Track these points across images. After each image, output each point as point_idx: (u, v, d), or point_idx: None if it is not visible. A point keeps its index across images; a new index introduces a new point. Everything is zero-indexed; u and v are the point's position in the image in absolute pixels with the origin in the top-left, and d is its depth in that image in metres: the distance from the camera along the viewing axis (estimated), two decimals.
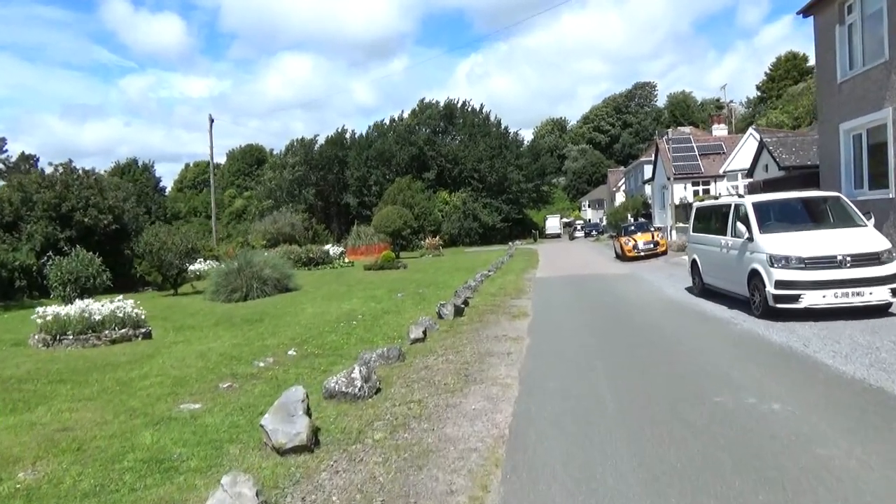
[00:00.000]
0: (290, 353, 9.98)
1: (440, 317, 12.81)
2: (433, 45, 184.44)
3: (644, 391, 6.48)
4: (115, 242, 23.77)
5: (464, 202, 66.35)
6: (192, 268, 27.05)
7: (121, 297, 13.00)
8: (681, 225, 33.23)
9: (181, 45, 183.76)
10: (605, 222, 69.96)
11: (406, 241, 54.51)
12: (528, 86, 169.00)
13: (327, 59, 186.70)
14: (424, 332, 10.48)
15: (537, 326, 11.38)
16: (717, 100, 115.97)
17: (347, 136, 70.79)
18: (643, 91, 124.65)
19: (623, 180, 72.50)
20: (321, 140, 68.22)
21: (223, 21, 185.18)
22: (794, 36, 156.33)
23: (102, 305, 11.75)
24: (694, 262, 14.73)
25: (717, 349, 8.46)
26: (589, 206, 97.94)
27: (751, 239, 11.28)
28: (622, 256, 28.28)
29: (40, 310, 11.54)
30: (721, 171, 39.22)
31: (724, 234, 12.73)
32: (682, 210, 35.98)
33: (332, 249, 46.43)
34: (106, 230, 24.36)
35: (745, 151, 37.91)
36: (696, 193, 39.56)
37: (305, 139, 66.88)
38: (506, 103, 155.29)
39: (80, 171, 25.51)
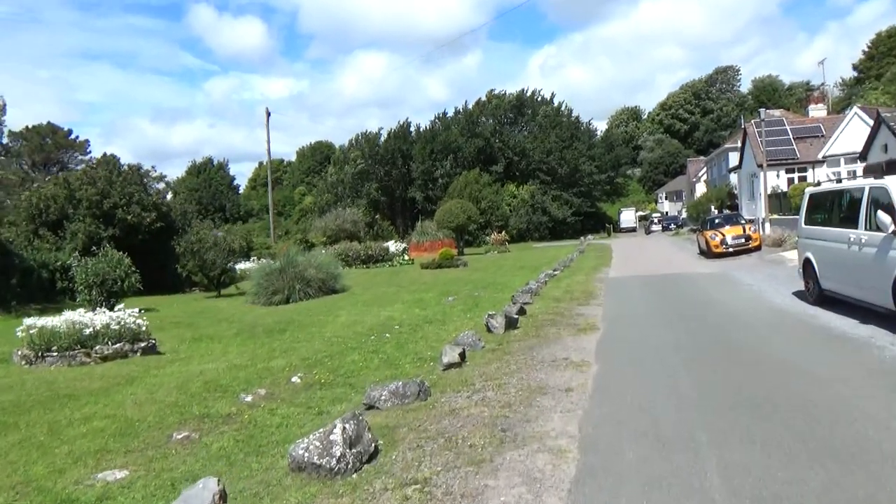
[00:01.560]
0: (293, 379, 8.00)
1: (489, 330, 10.58)
2: (506, 38, 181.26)
3: (786, 484, 4.05)
4: (160, 241, 22.74)
5: (532, 195, 63.53)
6: (242, 266, 25.84)
7: (122, 306, 11.42)
8: (776, 217, 29.56)
9: (262, 48, 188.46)
10: (684, 215, 65.57)
11: (472, 237, 52.44)
12: (603, 76, 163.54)
13: (401, 56, 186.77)
14: (462, 355, 8.27)
15: (608, 347, 8.96)
16: (808, 83, 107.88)
17: (412, 129, 69.22)
18: (725, 76, 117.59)
19: (704, 170, 67.73)
20: (385, 134, 66.97)
21: (301, 22, 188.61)
22: (893, 12, 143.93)
23: (96, 316, 10.15)
24: (807, 263, 11.85)
25: (875, 395, 5.86)
26: (666, 199, 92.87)
27: None
28: (707, 253, 25.11)
29: (28, 321, 10.06)
30: (820, 156, 35.07)
31: (854, 226, 9.88)
32: (776, 200, 32.21)
33: (394, 246, 44.88)
34: (150, 228, 23.37)
35: (848, 133, 33.76)
36: (790, 181, 35.49)
37: (369, 133, 65.79)
38: (581, 95, 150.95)
39: (126, 167, 24.80)
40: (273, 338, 11.62)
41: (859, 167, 32.82)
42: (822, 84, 69.87)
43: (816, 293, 11.47)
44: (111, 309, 11.77)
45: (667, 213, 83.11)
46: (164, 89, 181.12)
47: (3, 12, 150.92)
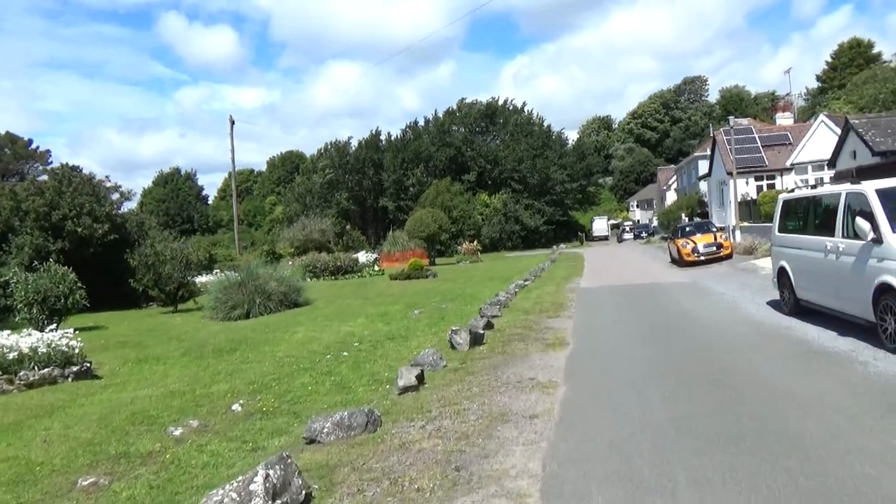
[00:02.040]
0: (234, 407, 7.27)
1: (452, 347, 9.95)
2: (480, 49, 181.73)
3: None
4: (115, 254, 21.69)
5: (504, 204, 63.22)
6: (203, 280, 24.86)
7: (53, 326, 10.54)
8: (746, 224, 29.49)
9: (233, 57, 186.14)
10: (655, 223, 65.87)
11: (444, 246, 51.83)
12: (575, 86, 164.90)
13: (374, 66, 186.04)
14: (420, 377, 7.62)
15: (577, 365, 8.39)
16: (773, 93, 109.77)
17: (383, 137, 68.52)
18: (693, 86, 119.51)
19: (674, 178, 68.17)
20: (355, 143, 66.08)
21: (273, 31, 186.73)
22: (854, 25, 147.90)
23: (22, 338, 9.28)
24: (782, 271, 11.44)
25: (866, 421, 5.34)
26: (637, 207, 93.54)
27: (878, 241, 8.04)
28: (679, 261, 24.82)
29: None
30: (788, 164, 35.23)
31: (831, 234, 9.47)
32: (746, 207, 32.21)
33: (364, 256, 44.06)
34: (103, 240, 22.29)
35: (816, 141, 33.98)
36: (759, 189, 35.60)
37: (339, 142, 64.84)
38: (553, 104, 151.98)
39: (79, 177, 23.60)
40: (221, 358, 10.83)
41: (827, 174, 33.06)
42: (788, 94, 70.83)
43: (792, 303, 11.05)
44: (55, 328, 10.89)
45: (638, 221, 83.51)
46: (133, 99, 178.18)
47: None
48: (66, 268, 15.66)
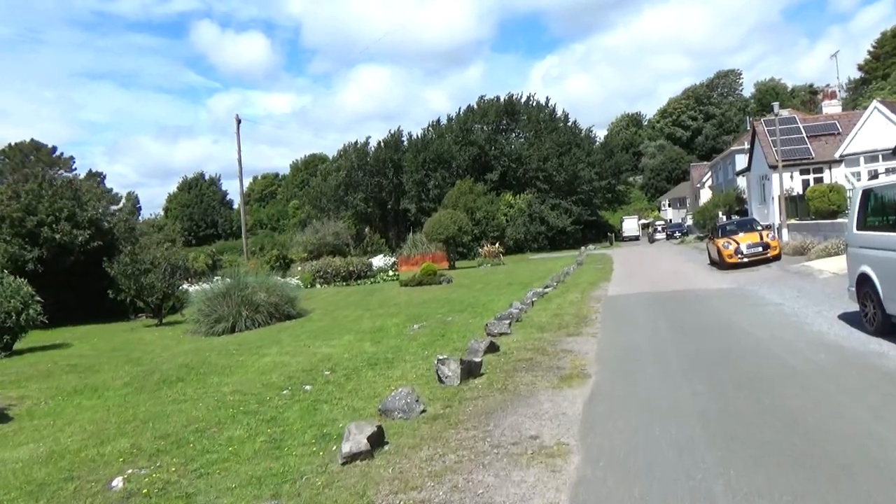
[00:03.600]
0: (114, 483, 5.21)
1: (440, 380, 7.79)
2: (509, 50, 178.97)
3: None
4: (101, 262, 19.97)
5: (529, 204, 60.67)
6: (197, 289, 23.05)
7: None
8: (794, 222, 26.71)
9: (264, 63, 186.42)
10: (689, 222, 62.81)
11: (466, 249, 49.64)
12: (606, 86, 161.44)
13: (404, 70, 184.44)
14: (376, 436, 5.44)
15: (600, 413, 6.15)
16: (811, 85, 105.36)
17: (404, 138, 66.57)
18: (726, 80, 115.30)
19: (709, 174, 65.04)
20: (374, 143, 64.26)
21: (303, 37, 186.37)
22: (894, 16, 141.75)
23: None
24: (864, 279, 9.02)
25: None
26: (669, 206, 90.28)
27: None
28: (720, 264, 22.25)
29: None
30: (837, 155, 32.27)
31: None
32: (792, 203, 29.39)
33: (381, 260, 42.14)
34: (86, 248, 20.61)
35: (869, 130, 31.10)
36: (805, 183, 32.67)
37: (358, 143, 63.04)
38: (584, 104, 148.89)
39: (60, 180, 22.02)
40: (159, 392, 8.81)
41: (884, 164, 30.15)
42: (836, 80, 66.65)
43: (879, 320, 8.63)
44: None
45: (670, 220, 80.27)
46: (167, 107, 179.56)
47: (7, 33, 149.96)
48: (21, 279, 13.91)
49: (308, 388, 8.36)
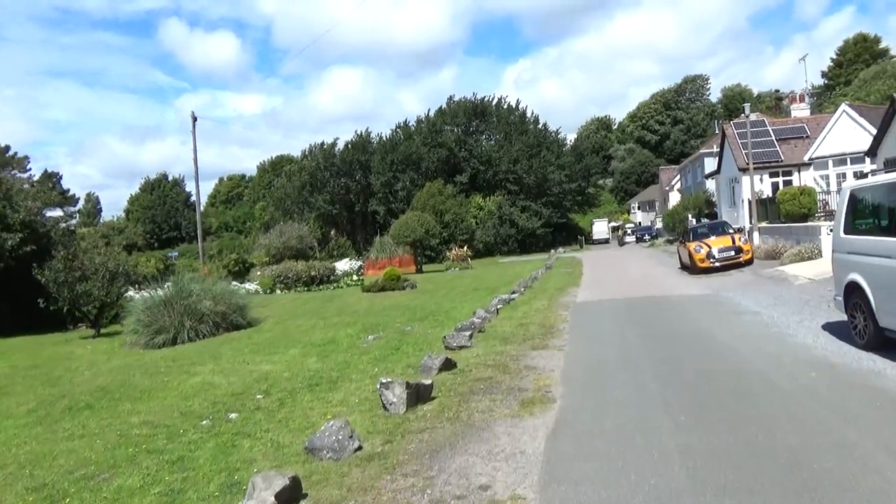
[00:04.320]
0: None
1: (384, 406, 6.76)
2: (482, 52, 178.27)
3: None
4: (31, 268, 18.44)
5: (499, 206, 59.93)
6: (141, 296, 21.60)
7: None
8: (764, 225, 26.25)
9: (234, 63, 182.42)
10: (659, 225, 62.74)
11: (434, 252, 48.68)
12: (577, 90, 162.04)
13: (377, 71, 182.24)
14: (283, 494, 4.36)
15: (566, 450, 5.17)
16: (777, 91, 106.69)
17: (373, 139, 65.30)
18: (694, 85, 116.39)
19: (678, 178, 65.03)
20: (342, 144, 62.81)
21: (274, 37, 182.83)
22: (856, 26, 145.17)
23: None
24: (853, 288, 8.23)
25: None
26: (639, 209, 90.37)
27: None
28: (691, 268, 21.59)
29: None
30: (806, 158, 32.04)
31: None
32: (762, 206, 28.99)
33: (347, 264, 40.95)
34: (16, 252, 19.08)
35: (838, 133, 30.94)
36: (774, 186, 32.39)
37: (325, 143, 61.55)
38: (555, 108, 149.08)
39: None
40: (61, 422, 7.61)
41: (851, 168, 30.00)
42: (805, 83, 67.12)
43: (870, 333, 7.84)
44: None
45: (640, 223, 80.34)
46: (134, 107, 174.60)
47: None
48: None
49: (234, 416, 7.25)
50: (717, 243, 21.23)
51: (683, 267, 23.03)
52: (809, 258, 18.46)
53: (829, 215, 26.37)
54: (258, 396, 8.12)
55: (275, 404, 7.69)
